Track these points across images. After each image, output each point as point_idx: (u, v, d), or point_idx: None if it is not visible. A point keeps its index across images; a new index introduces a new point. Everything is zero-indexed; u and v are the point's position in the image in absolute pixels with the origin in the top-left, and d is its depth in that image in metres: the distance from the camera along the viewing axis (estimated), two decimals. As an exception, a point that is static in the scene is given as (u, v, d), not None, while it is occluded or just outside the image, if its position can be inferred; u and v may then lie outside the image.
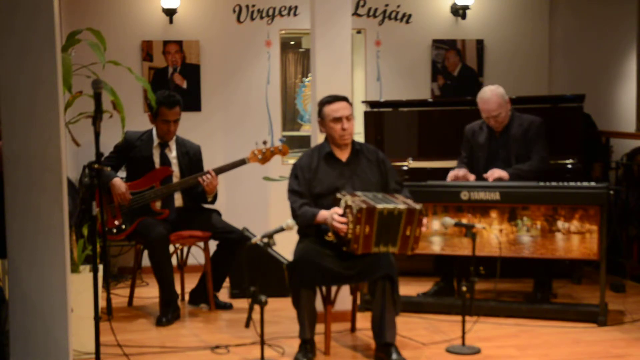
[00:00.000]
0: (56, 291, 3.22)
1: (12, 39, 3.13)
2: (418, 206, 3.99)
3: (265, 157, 5.07)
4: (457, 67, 6.83)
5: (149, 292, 5.57)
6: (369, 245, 3.98)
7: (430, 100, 6.66)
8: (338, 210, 4.02)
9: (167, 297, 4.89)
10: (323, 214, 4.09)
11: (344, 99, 4.31)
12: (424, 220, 4.08)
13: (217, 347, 4.34)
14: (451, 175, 5.09)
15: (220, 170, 5.05)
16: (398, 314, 4.07)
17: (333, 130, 4.25)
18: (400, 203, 4.02)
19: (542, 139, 5.07)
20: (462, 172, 5.05)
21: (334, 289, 4.30)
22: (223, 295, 5.38)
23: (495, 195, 4.74)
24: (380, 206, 3.91)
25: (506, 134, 5.10)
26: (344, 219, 3.97)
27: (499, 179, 4.91)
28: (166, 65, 6.38)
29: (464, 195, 4.79)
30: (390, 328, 4.01)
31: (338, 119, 4.24)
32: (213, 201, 5.13)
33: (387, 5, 6.71)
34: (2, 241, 3.22)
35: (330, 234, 4.07)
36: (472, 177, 5.04)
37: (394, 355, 3.96)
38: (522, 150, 5.05)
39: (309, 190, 4.23)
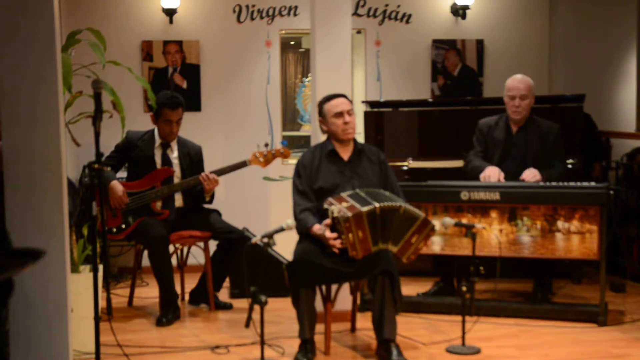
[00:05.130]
0: (56, 291, 3.22)
1: (12, 39, 3.13)
2: (432, 222, 4.10)
3: (266, 159, 5.07)
4: (457, 67, 6.83)
5: (149, 292, 5.57)
6: (367, 247, 3.99)
7: (430, 100, 6.66)
8: (328, 222, 4.03)
9: (167, 297, 4.89)
10: (315, 229, 4.08)
11: (342, 95, 4.33)
12: (429, 241, 4.16)
13: (217, 347, 4.34)
14: (485, 173, 4.94)
15: (221, 172, 5.05)
16: (399, 311, 4.05)
17: (335, 125, 4.26)
18: (413, 207, 4.07)
19: (562, 148, 5.08)
20: (496, 171, 4.92)
21: (334, 288, 4.30)
22: (223, 295, 5.38)
23: (495, 195, 4.74)
24: (366, 208, 3.92)
25: (522, 134, 5.06)
26: (334, 235, 3.99)
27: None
28: (166, 65, 6.38)
29: (464, 195, 4.79)
30: (390, 325, 4.00)
31: (339, 114, 4.24)
32: (210, 201, 5.14)
33: (387, 5, 6.71)
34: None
35: (328, 249, 4.07)
36: (501, 175, 4.94)
37: (394, 353, 3.95)
38: (537, 154, 5.00)
39: (310, 187, 4.24)
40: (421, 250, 4.13)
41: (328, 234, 4.01)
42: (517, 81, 5.04)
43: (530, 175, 4.86)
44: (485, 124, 5.22)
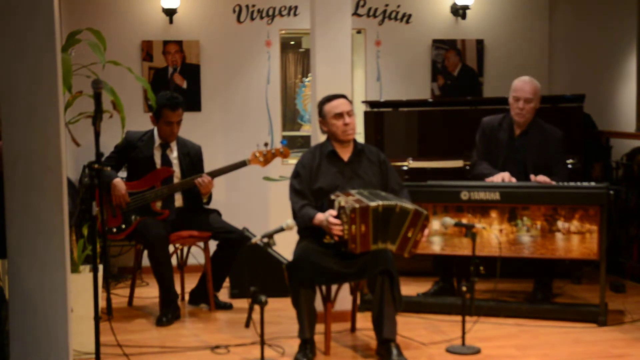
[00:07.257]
0: (56, 291, 3.22)
1: (12, 39, 3.13)
2: (425, 211, 4.04)
3: (266, 159, 5.07)
4: (457, 67, 6.83)
5: (149, 292, 5.57)
6: (367, 244, 3.98)
7: (430, 100, 6.66)
8: (332, 212, 4.03)
9: (167, 297, 4.89)
10: (319, 217, 4.09)
11: (342, 96, 4.33)
12: (426, 231, 4.13)
13: (217, 347, 4.34)
14: (496, 179, 4.90)
15: (220, 172, 5.05)
16: (399, 310, 4.05)
17: (335, 126, 4.26)
18: (407, 202, 4.05)
19: (564, 154, 5.06)
20: (507, 176, 4.89)
21: (334, 288, 4.30)
22: (223, 295, 5.38)
23: (495, 195, 4.74)
24: (373, 204, 3.92)
25: (524, 138, 5.02)
26: (337, 221, 3.98)
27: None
28: (166, 65, 6.38)
29: (464, 195, 4.79)
30: (389, 324, 4.00)
31: (339, 115, 4.24)
32: (208, 202, 5.14)
33: (387, 5, 6.71)
34: (2, 241, 3.23)
35: (327, 237, 4.07)
36: (514, 179, 4.89)
37: (394, 353, 3.95)
38: (538, 159, 4.96)
39: (309, 188, 4.24)
40: (420, 242, 4.10)
41: (332, 219, 3.99)
42: (524, 83, 4.98)
43: (542, 179, 4.81)
44: (489, 124, 5.16)
